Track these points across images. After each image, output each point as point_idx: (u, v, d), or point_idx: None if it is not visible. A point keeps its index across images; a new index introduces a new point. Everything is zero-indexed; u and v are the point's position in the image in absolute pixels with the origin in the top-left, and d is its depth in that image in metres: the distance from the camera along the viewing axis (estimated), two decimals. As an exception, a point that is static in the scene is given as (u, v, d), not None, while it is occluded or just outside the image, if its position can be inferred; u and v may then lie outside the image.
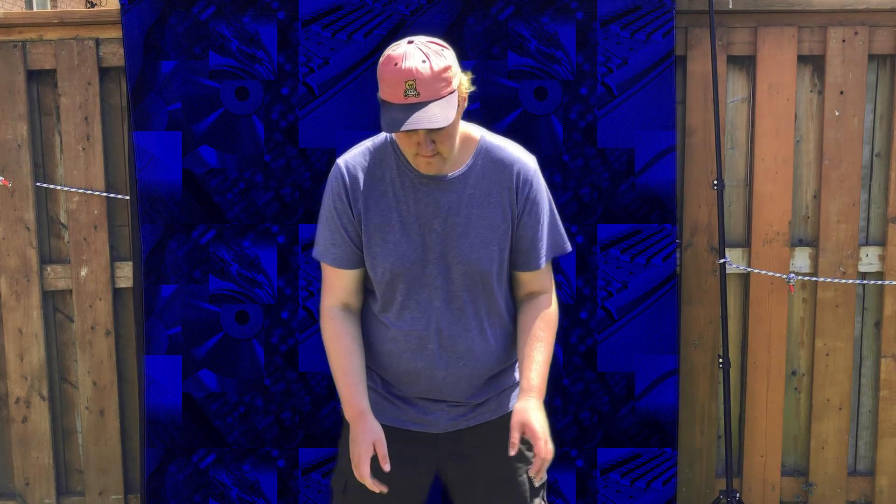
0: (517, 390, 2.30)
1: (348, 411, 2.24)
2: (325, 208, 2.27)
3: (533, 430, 2.11)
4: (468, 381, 2.28)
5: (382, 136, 2.25)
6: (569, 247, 2.35)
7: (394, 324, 2.26)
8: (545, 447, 2.12)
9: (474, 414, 2.33)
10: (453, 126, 2.09)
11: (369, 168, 2.22)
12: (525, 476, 2.33)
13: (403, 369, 2.28)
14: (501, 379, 2.36)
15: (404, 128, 1.98)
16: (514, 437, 2.11)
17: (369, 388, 2.33)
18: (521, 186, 2.22)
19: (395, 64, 2.01)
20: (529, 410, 2.13)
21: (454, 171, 2.20)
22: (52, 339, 3.45)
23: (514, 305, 2.36)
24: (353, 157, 2.25)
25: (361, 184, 2.22)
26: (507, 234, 2.24)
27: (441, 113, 2.00)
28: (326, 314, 2.29)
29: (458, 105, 2.08)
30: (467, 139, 2.23)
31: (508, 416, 2.26)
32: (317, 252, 2.31)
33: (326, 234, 2.27)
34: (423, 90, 2.00)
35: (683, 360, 3.34)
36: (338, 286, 2.28)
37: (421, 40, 2.07)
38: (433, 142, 2.06)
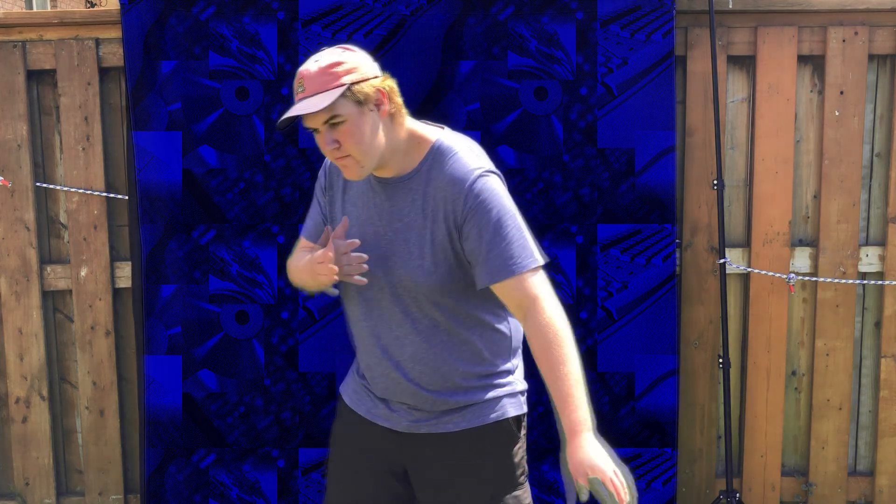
0: (491, 408, 2.24)
1: (304, 264, 2.25)
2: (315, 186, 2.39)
3: (597, 472, 1.93)
4: (414, 390, 2.21)
5: None
6: (517, 269, 2.04)
7: (353, 315, 2.28)
8: (615, 481, 1.93)
9: (437, 421, 2.23)
10: (354, 125, 2.03)
11: None
12: (484, 493, 2.25)
13: (364, 363, 2.29)
14: (464, 394, 2.23)
15: (281, 117, 2.05)
16: (580, 481, 1.94)
17: (355, 378, 2.37)
18: (464, 198, 2.07)
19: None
20: (583, 452, 1.95)
21: (401, 174, 2.15)
22: (52, 339, 3.45)
23: (494, 324, 2.24)
24: None
25: (337, 175, 2.26)
26: (448, 249, 2.11)
27: (316, 101, 2.00)
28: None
29: (362, 103, 2.04)
30: (420, 141, 2.15)
31: (473, 430, 2.21)
32: None
33: (309, 210, 2.39)
34: (309, 86, 2.03)
35: (683, 360, 3.34)
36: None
37: (333, 47, 2.10)
38: (336, 141, 2.05)
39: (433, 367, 2.19)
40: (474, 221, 2.06)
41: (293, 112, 2.02)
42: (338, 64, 2.03)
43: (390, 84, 2.11)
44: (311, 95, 2.02)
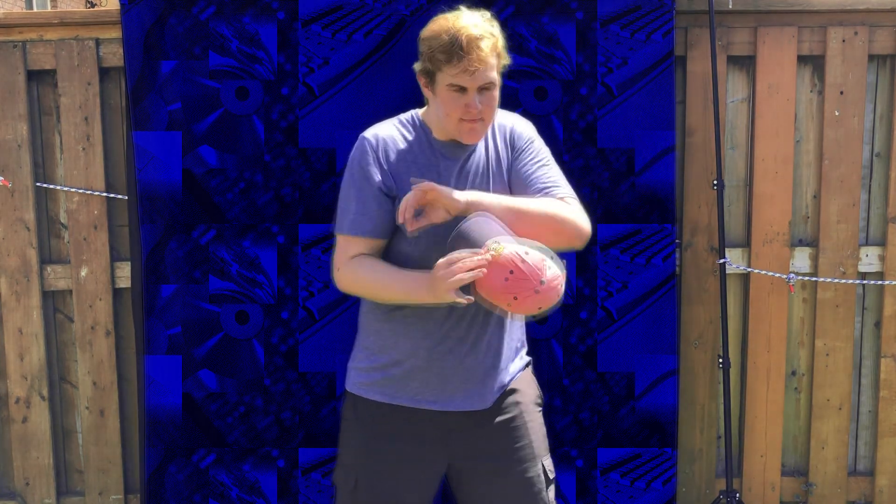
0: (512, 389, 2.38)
1: (421, 282, 2.12)
2: (354, 180, 2.24)
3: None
4: (479, 358, 2.29)
5: (409, 113, 2.31)
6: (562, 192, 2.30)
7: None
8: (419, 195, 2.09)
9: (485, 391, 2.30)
10: (496, 92, 2.19)
11: (397, 140, 2.26)
12: (537, 470, 2.35)
13: (429, 351, 2.28)
14: (499, 374, 2.35)
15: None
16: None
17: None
18: (516, 138, 2.31)
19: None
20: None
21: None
22: (52, 339, 3.45)
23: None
24: (380, 130, 2.29)
25: (390, 153, 2.24)
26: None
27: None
28: (350, 263, 2.23)
29: (501, 75, 2.20)
30: None
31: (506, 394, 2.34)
32: (346, 226, 2.24)
33: (356, 206, 2.23)
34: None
35: (683, 360, 3.34)
36: (359, 253, 2.25)
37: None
38: (481, 103, 2.15)
39: (489, 343, 2.33)
40: (528, 147, 2.32)
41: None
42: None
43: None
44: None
